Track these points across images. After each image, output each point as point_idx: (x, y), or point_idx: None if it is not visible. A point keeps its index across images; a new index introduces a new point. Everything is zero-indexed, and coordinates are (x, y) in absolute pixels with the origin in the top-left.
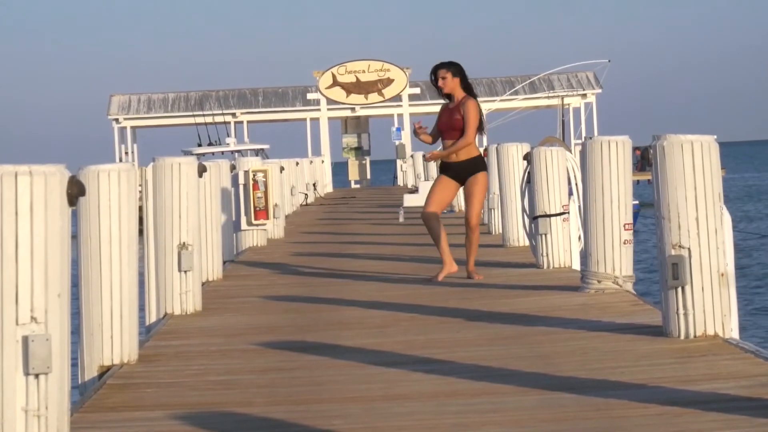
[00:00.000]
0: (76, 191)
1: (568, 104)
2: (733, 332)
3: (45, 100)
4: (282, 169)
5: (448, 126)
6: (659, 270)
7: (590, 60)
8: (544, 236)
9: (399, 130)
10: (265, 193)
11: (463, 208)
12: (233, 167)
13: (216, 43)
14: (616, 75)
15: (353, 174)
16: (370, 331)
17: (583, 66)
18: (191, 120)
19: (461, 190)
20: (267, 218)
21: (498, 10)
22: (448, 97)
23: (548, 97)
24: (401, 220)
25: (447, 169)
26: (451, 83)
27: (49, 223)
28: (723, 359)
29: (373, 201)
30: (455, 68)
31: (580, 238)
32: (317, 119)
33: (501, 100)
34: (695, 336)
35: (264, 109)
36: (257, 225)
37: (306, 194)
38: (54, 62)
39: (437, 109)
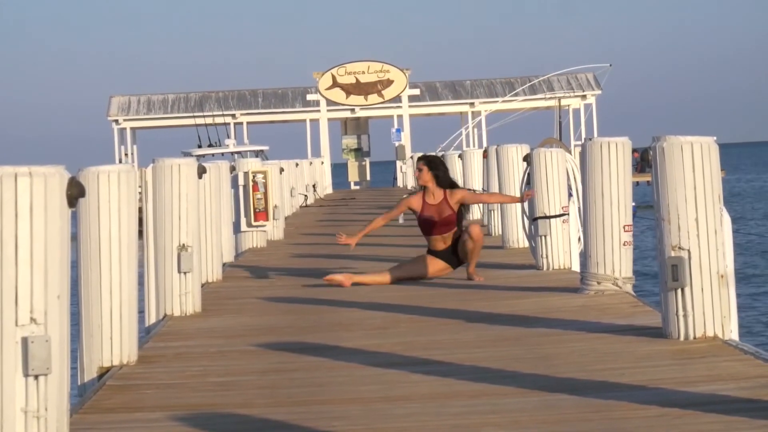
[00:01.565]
0: (75, 192)
1: (568, 105)
2: (733, 333)
3: (44, 100)
4: (282, 170)
5: (442, 221)
6: (659, 271)
7: (591, 64)
8: (543, 238)
9: (399, 131)
10: (265, 194)
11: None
12: (233, 168)
13: (216, 44)
14: (615, 77)
15: (353, 175)
16: (369, 333)
17: (584, 70)
18: (191, 121)
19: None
20: (267, 219)
21: (498, 11)
22: (423, 187)
23: (545, 99)
24: (401, 221)
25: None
26: (426, 176)
27: (48, 225)
28: (723, 360)
29: (373, 202)
30: (432, 163)
31: (579, 239)
32: (317, 120)
33: (503, 101)
34: (695, 337)
35: (264, 110)
36: (257, 226)
37: (306, 195)
38: (53, 63)
39: (436, 110)
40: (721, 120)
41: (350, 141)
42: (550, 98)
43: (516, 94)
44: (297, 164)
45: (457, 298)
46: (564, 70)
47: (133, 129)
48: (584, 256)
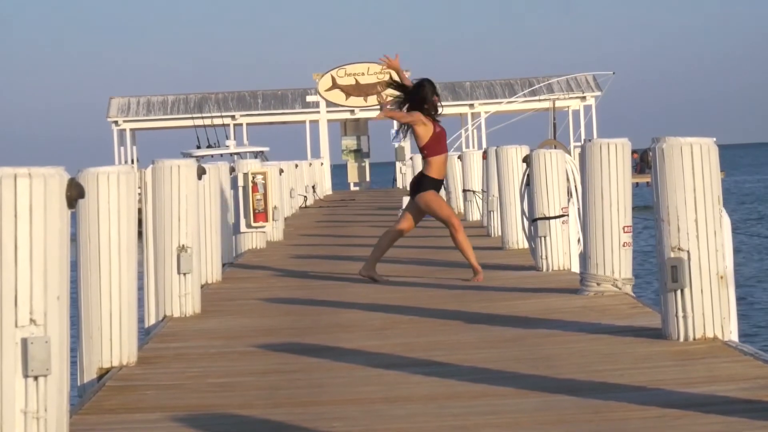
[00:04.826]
0: (75, 193)
1: (567, 107)
2: (733, 335)
3: (44, 102)
4: (281, 171)
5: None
6: (658, 272)
7: (594, 71)
8: (543, 239)
9: (398, 132)
10: (265, 195)
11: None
12: (232, 169)
13: (215, 45)
14: (616, 80)
15: (352, 176)
16: (369, 334)
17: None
18: (190, 122)
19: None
20: (266, 220)
21: (499, 14)
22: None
23: (540, 101)
24: None
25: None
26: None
27: (48, 226)
28: (722, 361)
29: (373, 203)
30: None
31: (579, 240)
32: (316, 121)
33: (507, 102)
34: (694, 338)
35: (263, 112)
36: (256, 227)
37: (305, 196)
38: (54, 64)
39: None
40: (722, 121)
41: (350, 142)
42: (545, 100)
43: (518, 97)
44: (296, 165)
45: (456, 299)
46: (566, 75)
47: (132, 130)
48: (584, 257)
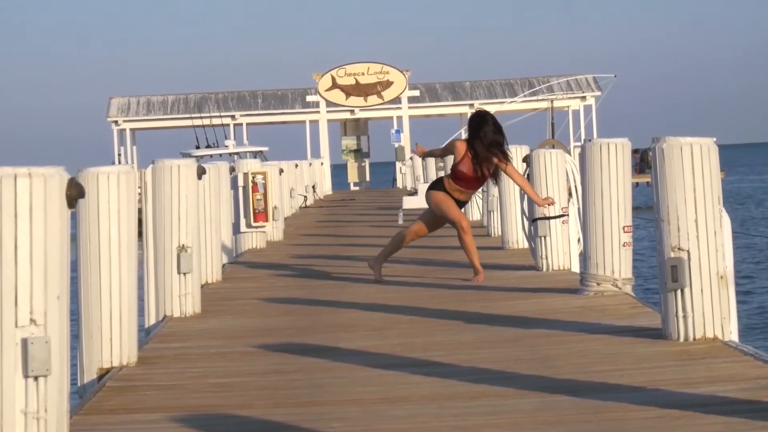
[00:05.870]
0: (75, 193)
1: (567, 107)
2: (733, 335)
3: (44, 102)
4: (281, 171)
5: (474, 179)
6: (658, 272)
7: (596, 73)
8: (543, 239)
9: (398, 132)
10: (265, 195)
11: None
12: (232, 169)
13: (215, 45)
14: (617, 80)
15: (352, 176)
16: (369, 334)
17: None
18: (190, 122)
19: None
20: (266, 220)
21: (499, 14)
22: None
23: (539, 101)
24: (401, 222)
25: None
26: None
27: (48, 226)
28: (722, 362)
29: (373, 203)
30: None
31: (579, 240)
32: (316, 121)
33: (511, 102)
34: (695, 338)
35: (263, 111)
36: (256, 227)
37: (305, 196)
38: (53, 64)
39: (436, 111)
40: (722, 121)
41: (350, 142)
42: (543, 100)
43: (519, 98)
44: (296, 165)
45: (456, 299)
46: (567, 76)
47: (132, 130)
48: (584, 257)
